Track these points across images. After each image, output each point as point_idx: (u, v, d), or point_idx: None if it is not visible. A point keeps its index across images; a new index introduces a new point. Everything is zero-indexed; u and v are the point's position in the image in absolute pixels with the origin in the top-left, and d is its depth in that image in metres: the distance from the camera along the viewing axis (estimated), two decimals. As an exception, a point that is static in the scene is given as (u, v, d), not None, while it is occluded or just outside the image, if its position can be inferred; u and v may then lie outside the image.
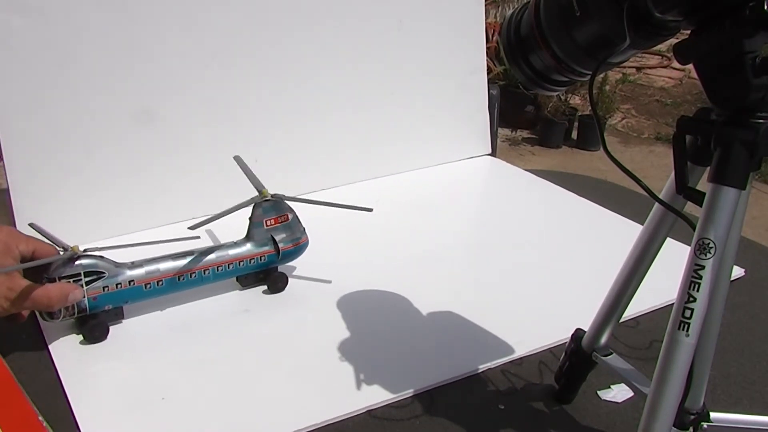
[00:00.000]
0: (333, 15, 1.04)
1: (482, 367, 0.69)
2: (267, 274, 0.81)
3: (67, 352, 0.70)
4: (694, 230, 0.45)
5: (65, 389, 0.65)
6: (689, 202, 0.48)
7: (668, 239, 0.55)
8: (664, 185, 0.52)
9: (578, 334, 0.64)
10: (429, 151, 1.17)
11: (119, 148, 0.92)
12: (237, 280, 0.81)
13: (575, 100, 3.64)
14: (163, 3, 0.91)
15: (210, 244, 0.79)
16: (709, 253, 0.44)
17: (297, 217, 0.81)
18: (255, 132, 1.01)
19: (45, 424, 0.53)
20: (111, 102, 0.91)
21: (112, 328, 0.73)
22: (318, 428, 0.62)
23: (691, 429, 0.54)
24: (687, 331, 0.45)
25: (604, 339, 0.61)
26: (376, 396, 0.65)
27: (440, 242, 0.94)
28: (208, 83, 0.97)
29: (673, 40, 0.46)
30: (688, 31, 0.45)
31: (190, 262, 0.75)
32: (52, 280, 0.68)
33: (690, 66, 0.45)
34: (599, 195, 1.07)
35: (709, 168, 0.46)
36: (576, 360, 0.63)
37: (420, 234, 0.96)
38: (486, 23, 1.22)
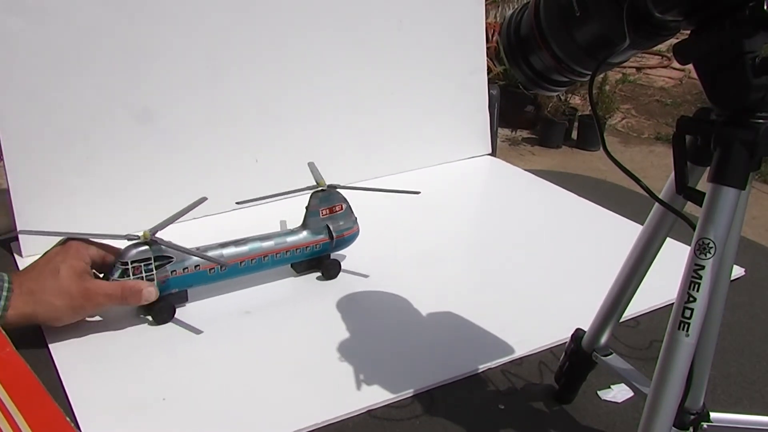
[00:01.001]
0: (333, 15, 1.04)
1: (482, 367, 0.69)
2: (320, 261, 0.83)
3: (67, 352, 0.70)
4: (694, 230, 0.45)
5: (65, 389, 0.65)
6: (689, 202, 0.49)
7: (668, 239, 0.55)
8: (664, 185, 0.52)
9: (578, 334, 0.64)
10: (429, 151, 1.17)
11: (119, 148, 0.92)
12: (292, 266, 0.83)
13: (575, 100, 3.64)
14: (163, 4, 0.91)
15: (266, 231, 0.80)
16: (709, 253, 0.44)
17: (350, 206, 0.84)
18: (255, 132, 1.01)
19: (73, 424, 0.53)
20: (111, 102, 0.91)
21: (108, 330, 0.73)
22: (318, 428, 0.62)
23: (691, 429, 0.54)
24: (687, 331, 0.45)
25: (604, 339, 0.61)
26: (376, 396, 0.65)
27: (440, 242, 0.94)
28: (209, 84, 0.97)
29: (673, 40, 0.46)
30: (688, 31, 0.45)
31: (251, 249, 0.77)
32: (125, 265, 0.70)
33: (690, 66, 0.45)
34: (599, 195, 1.07)
35: (709, 168, 0.46)
36: (576, 360, 0.63)
37: (420, 234, 0.96)
38: (486, 23, 1.22)
